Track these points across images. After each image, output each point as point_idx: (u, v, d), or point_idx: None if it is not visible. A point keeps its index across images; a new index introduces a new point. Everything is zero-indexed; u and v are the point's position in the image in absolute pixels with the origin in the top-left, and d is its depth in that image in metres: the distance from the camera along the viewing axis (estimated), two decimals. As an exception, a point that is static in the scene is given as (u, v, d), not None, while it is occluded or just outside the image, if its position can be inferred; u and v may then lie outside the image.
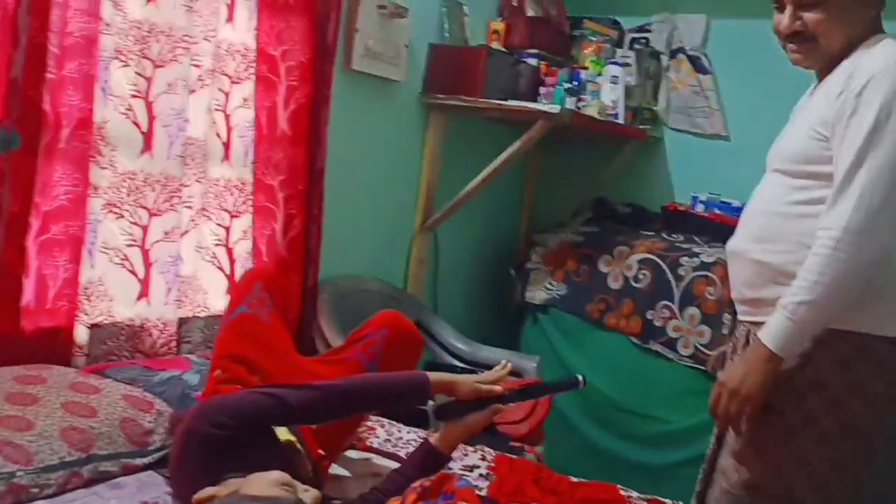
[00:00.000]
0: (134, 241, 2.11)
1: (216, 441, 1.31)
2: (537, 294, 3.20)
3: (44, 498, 1.46)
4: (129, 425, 1.67)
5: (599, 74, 3.23)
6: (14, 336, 1.83)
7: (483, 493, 1.76)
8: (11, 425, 1.51)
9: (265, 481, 1.22)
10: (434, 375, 1.54)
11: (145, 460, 1.66)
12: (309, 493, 1.28)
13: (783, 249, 1.58)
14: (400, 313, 1.90)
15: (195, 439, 1.33)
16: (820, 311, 1.50)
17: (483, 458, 1.94)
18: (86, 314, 1.99)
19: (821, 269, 1.48)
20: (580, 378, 1.67)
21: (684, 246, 2.98)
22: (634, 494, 1.79)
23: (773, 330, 1.53)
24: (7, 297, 1.82)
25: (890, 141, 1.47)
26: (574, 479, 1.85)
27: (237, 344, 1.70)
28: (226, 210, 2.38)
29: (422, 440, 2.01)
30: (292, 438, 1.52)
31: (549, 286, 3.18)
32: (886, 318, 1.55)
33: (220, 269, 2.38)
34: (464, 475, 1.85)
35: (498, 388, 1.59)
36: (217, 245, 2.37)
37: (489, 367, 2.69)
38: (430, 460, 1.55)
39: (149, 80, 2.10)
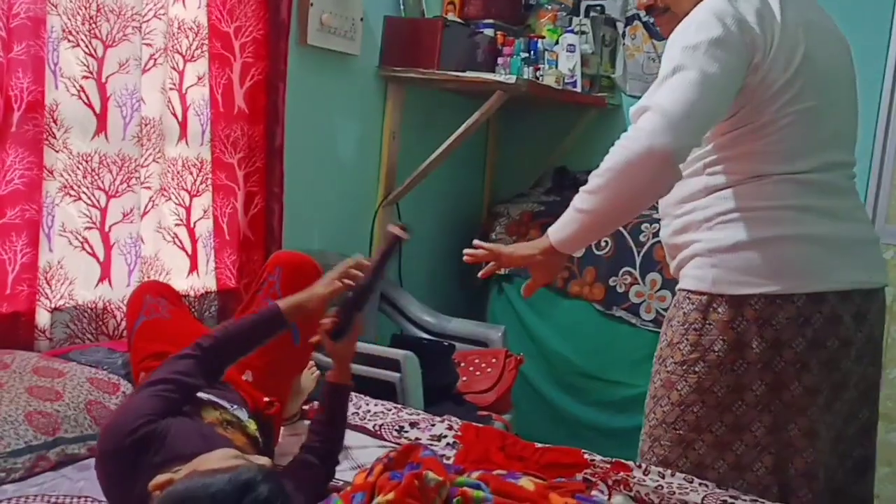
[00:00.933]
0: (93, 223, 2.09)
1: (136, 447, 1.26)
2: (501, 264, 3.22)
3: (11, 482, 1.46)
4: (95, 407, 1.67)
5: (556, 43, 3.24)
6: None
7: (450, 461, 1.79)
8: (-25, 412, 1.50)
9: (217, 456, 1.23)
10: (285, 301, 1.55)
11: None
12: (261, 459, 1.29)
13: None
14: (289, 251, 1.99)
15: (113, 458, 1.29)
16: (600, 204, 1.58)
17: (450, 428, 1.97)
18: (47, 298, 1.98)
19: (608, 159, 1.55)
20: (399, 230, 1.55)
21: (645, 212, 3.01)
22: (598, 458, 1.82)
23: (558, 222, 1.67)
24: (-36, 284, 1.80)
25: (694, 65, 1.50)
26: (539, 445, 1.88)
27: (149, 345, 1.72)
28: (185, 189, 2.37)
29: (390, 409, 2.04)
30: (218, 416, 1.48)
31: (512, 256, 3.20)
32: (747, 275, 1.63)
33: (182, 248, 2.37)
34: (430, 445, 1.87)
35: (337, 283, 1.56)
36: (178, 225, 2.36)
37: (458, 339, 2.76)
38: (335, 397, 1.58)
39: (100, 60, 2.07)
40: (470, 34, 3.09)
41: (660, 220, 2.97)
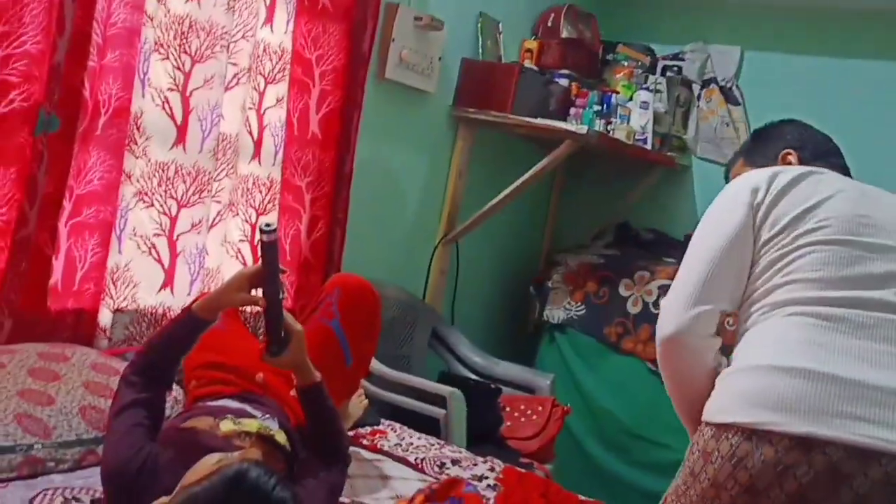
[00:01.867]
0: (162, 230, 2.14)
1: (141, 482, 1.28)
2: (555, 313, 3.20)
3: (59, 472, 1.48)
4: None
5: (630, 99, 3.24)
6: (40, 315, 1.86)
7: (490, 502, 1.76)
8: (33, 399, 1.54)
9: (201, 465, 1.22)
10: (199, 301, 1.50)
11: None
12: (250, 451, 1.28)
13: None
14: (349, 273, 1.98)
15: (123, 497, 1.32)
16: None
17: (492, 469, 1.94)
18: (111, 298, 2.02)
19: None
20: (265, 227, 1.44)
21: (706, 275, 2.97)
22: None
23: None
24: (36, 276, 1.85)
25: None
26: (583, 498, 1.84)
27: (203, 355, 1.72)
28: (253, 207, 2.41)
29: (433, 444, 2.02)
30: (235, 428, 1.47)
31: (567, 306, 3.18)
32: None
33: (244, 264, 2.40)
34: (470, 483, 1.84)
35: (250, 297, 1.51)
36: (242, 241, 2.40)
37: (505, 383, 2.73)
38: (308, 401, 1.54)
39: (187, 74, 2.14)
40: (545, 82, 3.12)
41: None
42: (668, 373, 1.56)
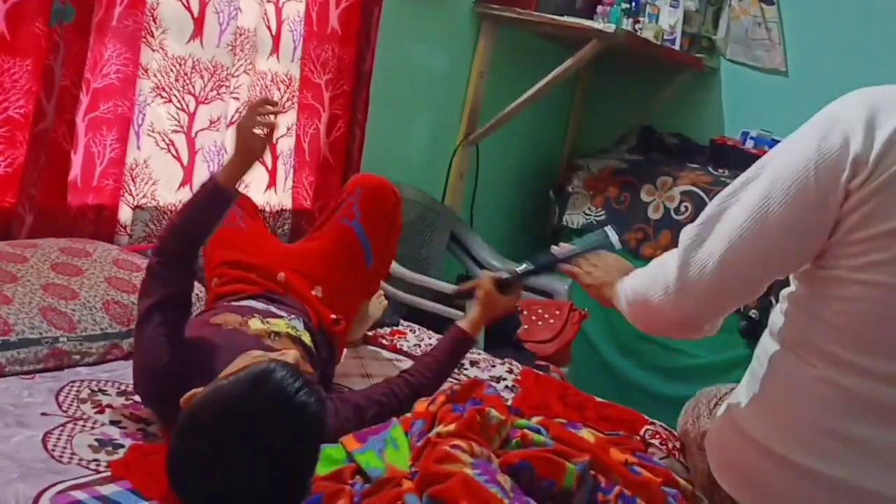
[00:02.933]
0: (180, 127, 2.11)
1: (175, 383, 1.25)
2: (575, 218, 3.17)
3: (84, 365, 1.50)
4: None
5: (660, -3, 3.12)
6: (60, 210, 1.85)
7: (509, 403, 1.78)
8: (57, 293, 1.55)
9: (238, 361, 1.23)
10: (220, 171, 1.43)
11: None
12: (288, 354, 1.28)
13: None
14: (369, 174, 1.93)
15: (158, 399, 1.32)
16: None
17: (510, 371, 1.96)
18: (130, 195, 2.01)
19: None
20: (610, 234, 1.55)
21: (729, 181, 2.91)
22: (658, 423, 1.79)
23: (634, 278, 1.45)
24: (55, 171, 1.84)
25: None
26: (599, 400, 1.86)
27: (224, 252, 1.71)
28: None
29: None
30: (265, 328, 1.45)
31: (587, 211, 3.15)
32: None
33: (262, 163, 2.36)
34: (490, 385, 1.86)
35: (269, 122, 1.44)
36: (261, 139, 2.36)
37: (523, 287, 2.73)
38: (459, 344, 1.57)
39: (203, -37, 2.06)
40: (572, -22, 2.99)
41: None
42: (644, 327, 1.39)
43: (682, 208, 2.92)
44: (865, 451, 1.16)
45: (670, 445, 1.64)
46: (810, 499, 1.21)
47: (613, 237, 1.55)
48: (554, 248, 1.58)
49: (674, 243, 3.07)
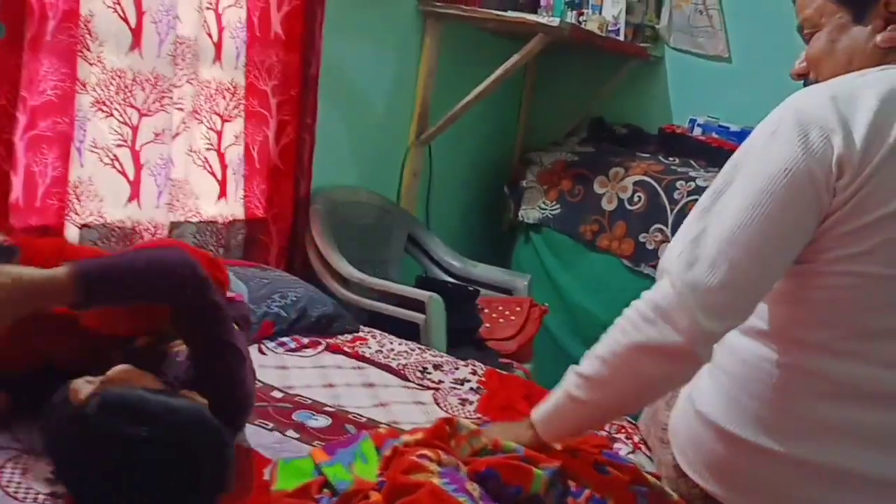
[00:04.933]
0: (124, 141, 2.05)
1: None
2: (530, 213, 3.18)
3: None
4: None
5: (602, -11, 3.13)
6: (3, 233, 1.79)
7: (473, 406, 1.78)
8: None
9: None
10: None
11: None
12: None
13: None
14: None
15: None
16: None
17: (474, 373, 1.95)
18: (76, 214, 1.95)
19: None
20: None
21: (680, 170, 2.95)
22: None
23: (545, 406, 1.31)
24: (-5, 193, 1.78)
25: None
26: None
27: None
28: (217, 114, 2.32)
29: (414, 350, 2.02)
30: None
31: (542, 205, 3.16)
32: None
33: (212, 173, 2.33)
34: (454, 388, 1.85)
35: None
36: (208, 149, 2.31)
37: (482, 285, 2.73)
38: None
39: (136, -28, 2.01)
40: (515, -28, 2.99)
41: (695, 178, 2.94)
42: (634, 379, 1.20)
43: (636, 198, 2.94)
44: (832, 429, 1.18)
45: (636, 439, 1.65)
46: (779, 480, 1.22)
47: None
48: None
49: (629, 234, 3.11)
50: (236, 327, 1.37)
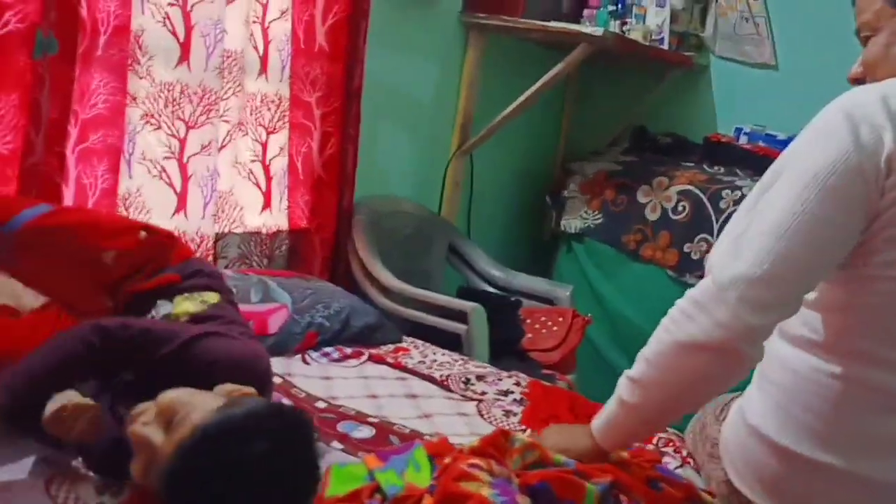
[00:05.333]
0: (171, 153, 2.09)
1: None
2: (572, 222, 3.16)
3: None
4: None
5: (646, -3, 3.11)
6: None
7: (517, 417, 1.76)
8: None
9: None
10: None
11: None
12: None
13: None
14: None
15: None
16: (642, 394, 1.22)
17: (517, 384, 1.94)
18: (124, 225, 1.98)
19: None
20: None
21: (726, 178, 2.91)
22: (670, 429, 1.76)
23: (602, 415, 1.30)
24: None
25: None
26: (610, 407, 1.83)
27: None
28: (262, 126, 2.35)
29: (456, 361, 2.01)
30: None
31: (584, 215, 3.13)
32: None
33: (257, 185, 2.36)
34: (498, 400, 1.84)
35: None
36: (253, 161, 2.34)
37: (524, 295, 2.72)
38: None
39: (186, -13, 2.05)
40: (557, -18, 2.98)
41: (742, 187, 2.89)
42: (682, 377, 1.18)
43: (680, 208, 2.90)
44: (890, 444, 1.15)
45: (684, 453, 1.62)
46: (839, 498, 1.19)
47: None
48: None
49: (673, 243, 3.08)
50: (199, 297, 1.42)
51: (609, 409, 1.29)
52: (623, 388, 1.26)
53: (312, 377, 1.80)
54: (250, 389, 1.19)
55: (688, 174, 2.96)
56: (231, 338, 1.33)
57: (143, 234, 1.55)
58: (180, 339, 1.26)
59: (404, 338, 2.17)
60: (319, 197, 2.48)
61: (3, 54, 1.69)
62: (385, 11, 2.59)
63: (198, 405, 1.10)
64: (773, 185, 1.15)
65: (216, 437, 1.04)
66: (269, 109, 2.35)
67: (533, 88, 2.87)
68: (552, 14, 2.91)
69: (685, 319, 1.15)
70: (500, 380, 1.95)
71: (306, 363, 1.89)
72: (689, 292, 1.17)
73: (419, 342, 2.15)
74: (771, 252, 1.09)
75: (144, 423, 1.10)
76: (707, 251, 2.83)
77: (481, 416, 1.75)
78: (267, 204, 2.39)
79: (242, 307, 1.88)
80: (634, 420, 1.26)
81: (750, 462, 1.30)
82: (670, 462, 1.56)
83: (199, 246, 2.16)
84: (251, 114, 2.31)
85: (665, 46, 3.09)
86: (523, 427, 1.70)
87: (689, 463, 1.59)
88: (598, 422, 1.31)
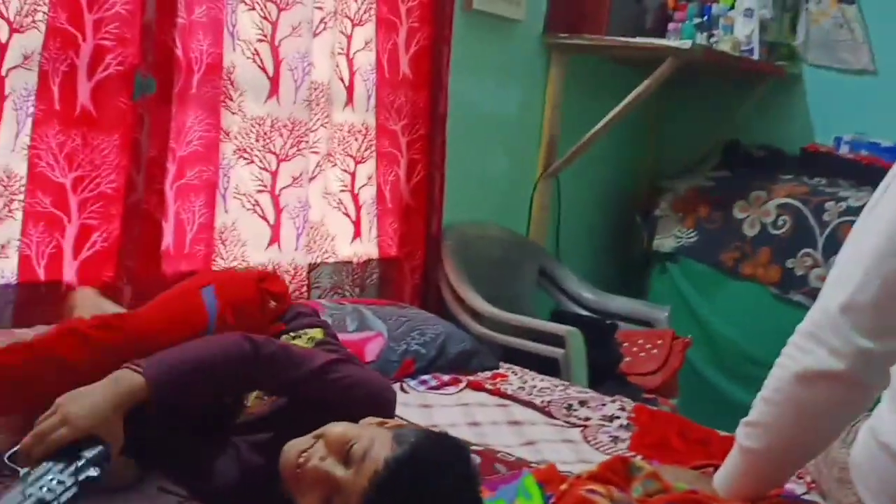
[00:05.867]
0: (264, 186, 2.11)
1: None
2: (666, 242, 3.07)
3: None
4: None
5: (732, 8, 3.02)
6: (156, 279, 1.86)
7: (626, 444, 1.69)
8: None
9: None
10: None
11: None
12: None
13: None
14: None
15: None
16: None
17: (622, 409, 1.86)
18: (221, 258, 2.02)
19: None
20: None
21: (828, 190, 2.79)
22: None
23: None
24: (149, 241, 1.86)
25: None
26: (722, 434, 1.74)
27: None
28: (350, 156, 2.36)
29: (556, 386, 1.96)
30: None
31: (678, 233, 3.04)
32: None
33: (346, 214, 2.37)
34: (603, 426, 1.78)
35: None
36: (342, 191, 2.35)
37: (619, 317, 2.64)
38: None
39: (274, 23, 2.08)
40: (639, -1, 2.93)
41: (847, 198, 2.76)
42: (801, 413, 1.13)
43: (780, 222, 2.79)
44: None
45: (808, 479, 1.52)
46: None
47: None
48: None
49: (774, 259, 2.96)
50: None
51: (730, 461, 1.23)
52: (742, 436, 1.20)
53: (412, 405, 1.77)
54: (399, 420, 1.18)
55: (786, 187, 2.85)
56: (360, 365, 1.33)
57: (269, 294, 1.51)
58: (320, 361, 1.25)
59: (501, 364, 2.12)
60: (408, 224, 2.47)
61: (106, 96, 1.75)
62: (467, 36, 2.59)
63: (374, 437, 1.09)
64: (879, 203, 1.10)
65: (410, 469, 1.04)
66: (356, 139, 2.36)
67: (620, 106, 2.81)
68: (636, 30, 2.86)
69: (800, 353, 1.11)
70: (604, 405, 1.88)
71: (405, 391, 1.87)
72: (800, 327, 1.13)
73: (516, 368, 2.11)
74: (878, 276, 1.04)
75: (322, 457, 1.08)
76: (812, 266, 2.71)
77: (587, 442, 1.69)
78: (357, 233, 2.39)
79: (339, 336, 1.89)
80: (760, 467, 1.21)
81: (885, 483, 1.22)
82: (795, 488, 1.46)
83: (293, 277, 2.17)
84: (339, 144, 2.32)
85: (755, 57, 2.99)
86: (633, 453, 1.63)
87: (813, 488, 1.49)
88: (720, 476, 1.25)
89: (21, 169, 1.70)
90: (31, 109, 1.69)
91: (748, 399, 3.13)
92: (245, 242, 2.08)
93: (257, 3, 2.04)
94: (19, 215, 1.70)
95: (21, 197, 1.71)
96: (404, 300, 2.45)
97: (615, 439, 1.71)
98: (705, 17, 2.99)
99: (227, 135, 2.01)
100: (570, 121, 3.01)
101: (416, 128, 2.45)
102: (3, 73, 1.65)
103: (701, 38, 2.93)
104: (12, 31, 1.64)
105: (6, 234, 1.69)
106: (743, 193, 2.91)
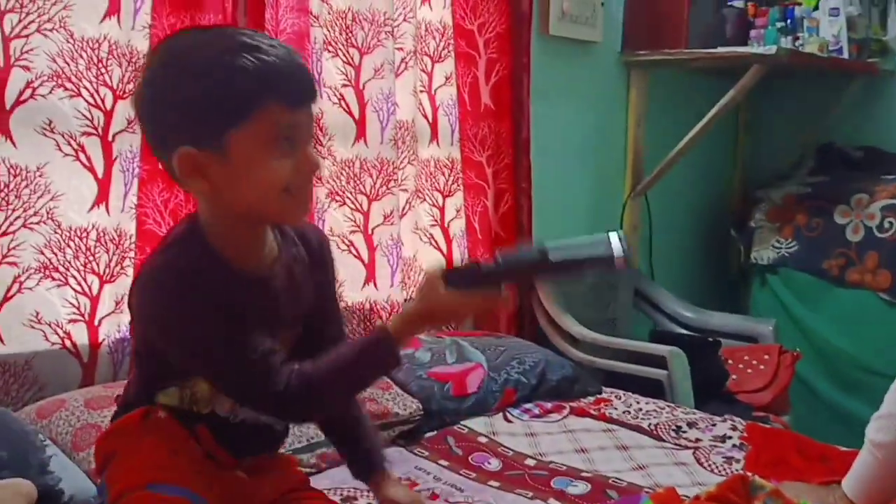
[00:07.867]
0: (357, 226, 2.16)
1: None
2: (764, 253, 2.98)
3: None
4: (370, 404, 1.70)
5: (815, 9, 2.94)
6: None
7: (741, 464, 1.64)
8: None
9: None
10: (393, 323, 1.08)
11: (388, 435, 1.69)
12: None
13: None
14: None
15: None
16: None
17: (734, 428, 1.81)
18: (321, 300, 2.06)
19: None
20: (613, 241, 1.06)
21: (940, 185, 2.66)
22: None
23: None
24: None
25: None
26: (842, 449, 1.67)
27: None
28: (438, 190, 2.39)
29: (662, 408, 1.91)
30: None
31: (776, 244, 2.95)
32: None
33: (438, 248, 2.39)
34: (715, 446, 1.73)
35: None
36: (433, 225, 2.38)
37: (721, 334, 2.57)
38: (372, 346, 1.07)
39: (357, 67, 2.14)
40: (717, 7, 2.88)
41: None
42: None
43: (886, 224, 2.67)
44: None
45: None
46: None
47: (616, 246, 1.05)
48: (546, 244, 1.07)
49: (883, 264, 2.83)
50: None
51: (860, 462, 1.19)
52: (874, 430, 1.17)
53: (517, 434, 1.77)
54: None
55: (890, 188, 2.73)
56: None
57: None
58: None
59: (604, 388, 2.09)
60: (498, 254, 2.47)
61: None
62: (545, 62, 2.59)
63: None
64: None
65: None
66: (443, 174, 2.39)
67: (706, 118, 2.76)
68: (716, 40, 2.81)
69: None
70: (714, 425, 1.83)
71: (509, 421, 1.86)
72: None
73: (619, 392, 2.08)
74: None
75: None
76: (925, 268, 2.58)
77: (700, 464, 1.64)
78: (449, 265, 2.40)
79: (439, 368, 1.92)
80: (889, 473, 1.15)
81: None
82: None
83: (389, 315, 2.20)
84: (426, 180, 2.36)
85: (845, 56, 2.89)
86: (750, 473, 1.57)
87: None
88: (850, 481, 1.20)
89: (130, 227, 1.79)
90: (137, 170, 1.78)
91: (865, 411, 2.97)
92: (342, 282, 2.13)
93: (339, 48, 2.10)
94: (131, 271, 1.79)
95: (132, 254, 1.79)
96: (500, 330, 2.45)
97: (729, 460, 1.66)
98: (788, 21, 2.92)
99: (320, 179, 2.06)
100: (654, 137, 2.97)
101: (500, 157, 2.47)
102: (110, 138, 1.74)
103: (785, 42, 2.86)
104: (116, 97, 1.74)
105: (120, 291, 1.77)
106: (843, 197, 2.80)
